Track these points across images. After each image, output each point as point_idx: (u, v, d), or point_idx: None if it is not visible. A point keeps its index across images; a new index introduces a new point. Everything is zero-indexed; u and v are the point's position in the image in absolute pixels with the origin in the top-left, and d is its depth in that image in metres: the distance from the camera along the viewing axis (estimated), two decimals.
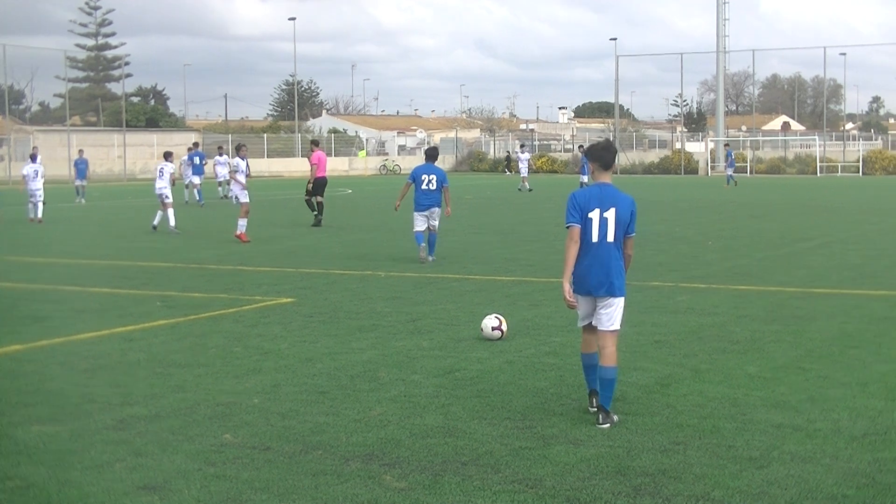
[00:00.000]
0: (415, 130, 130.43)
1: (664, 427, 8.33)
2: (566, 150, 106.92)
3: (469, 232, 26.92)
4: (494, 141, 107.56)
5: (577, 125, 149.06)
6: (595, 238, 8.63)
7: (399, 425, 8.44)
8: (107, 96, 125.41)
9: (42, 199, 33.37)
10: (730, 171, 61.40)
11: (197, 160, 45.43)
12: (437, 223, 20.36)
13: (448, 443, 7.95)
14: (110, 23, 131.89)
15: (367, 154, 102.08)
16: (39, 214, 33.08)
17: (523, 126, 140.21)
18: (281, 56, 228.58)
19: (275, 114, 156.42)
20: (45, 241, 26.63)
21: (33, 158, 35.61)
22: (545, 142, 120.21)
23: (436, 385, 9.82)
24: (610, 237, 8.67)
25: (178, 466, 7.46)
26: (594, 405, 8.71)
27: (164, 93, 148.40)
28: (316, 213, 30.84)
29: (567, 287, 8.52)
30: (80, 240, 26.88)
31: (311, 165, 31.18)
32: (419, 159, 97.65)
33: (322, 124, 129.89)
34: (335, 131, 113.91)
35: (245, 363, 10.91)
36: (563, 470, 7.30)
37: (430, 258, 20.14)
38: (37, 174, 33.77)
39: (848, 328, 12.76)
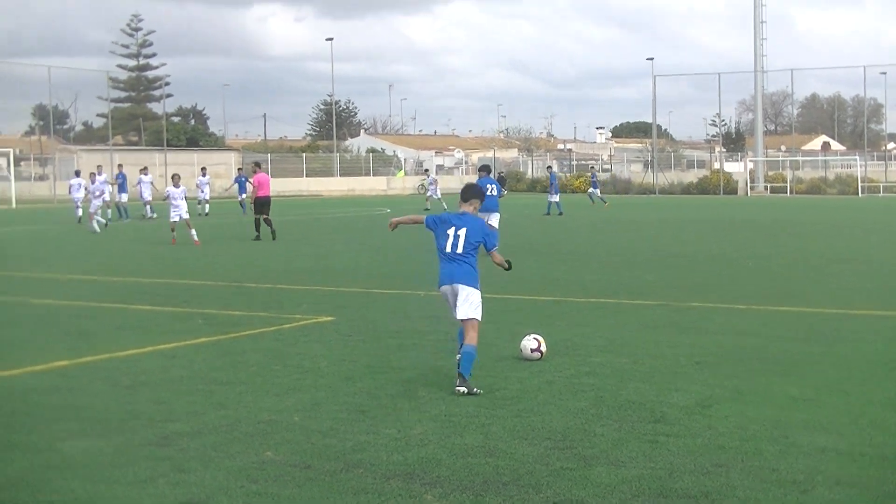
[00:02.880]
0: (452, 150, 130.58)
1: (705, 449, 8.26)
2: (604, 171, 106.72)
3: (506, 251, 26.86)
4: (532, 161, 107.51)
5: (615, 145, 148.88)
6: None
7: (439, 444, 8.42)
8: (148, 116, 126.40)
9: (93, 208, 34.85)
10: (593, 190, 60.47)
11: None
12: (496, 224, 24.57)
13: (488, 462, 7.92)
14: (151, 44, 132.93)
15: (406, 174, 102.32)
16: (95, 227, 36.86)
17: (561, 146, 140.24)
18: (318, 76, 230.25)
19: (313, 133, 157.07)
20: (89, 257, 26.80)
21: (77, 174, 37.93)
22: (583, 162, 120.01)
23: (476, 404, 9.79)
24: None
25: (220, 483, 7.47)
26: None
27: (203, 112, 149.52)
28: (256, 233, 32.74)
29: None
30: (122, 257, 27.05)
31: (254, 186, 33.85)
32: (457, 179, 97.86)
33: (360, 144, 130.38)
34: (373, 151, 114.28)
35: (285, 381, 10.93)
36: (604, 491, 7.24)
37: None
38: (80, 186, 36.25)
39: (890, 350, 12.63)
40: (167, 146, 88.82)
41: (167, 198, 32.32)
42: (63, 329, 14.69)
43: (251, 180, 35.27)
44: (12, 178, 73.10)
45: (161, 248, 29.98)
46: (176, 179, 33.22)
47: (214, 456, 8.13)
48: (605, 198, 61.90)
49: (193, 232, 31.35)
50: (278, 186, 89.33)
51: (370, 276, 21.66)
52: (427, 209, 54.87)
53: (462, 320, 10.60)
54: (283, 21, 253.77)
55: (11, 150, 78.15)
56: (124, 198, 48.47)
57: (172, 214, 31.69)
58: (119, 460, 8.03)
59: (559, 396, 10.13)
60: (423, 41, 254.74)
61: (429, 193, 57.46)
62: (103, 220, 39.35)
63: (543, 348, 11.85)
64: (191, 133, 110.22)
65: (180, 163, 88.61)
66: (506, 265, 11.18)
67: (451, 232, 10.77)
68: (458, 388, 10.23)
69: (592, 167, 71.03)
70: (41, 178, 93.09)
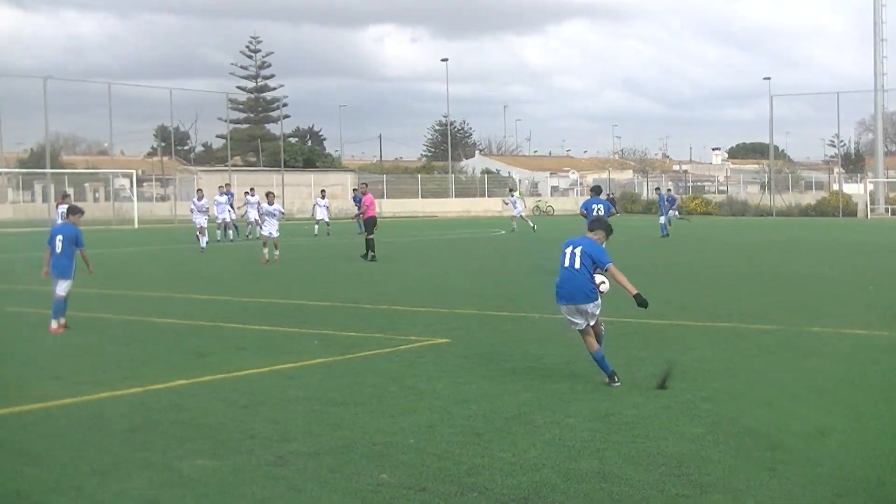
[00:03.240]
0: (567, 171, 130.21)
1: (826, 478, 8.09)
2: (720, 192, 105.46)
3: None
4: (647, 182, 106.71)
5: (731, 166, 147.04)
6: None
7: (554, 469, 8.38)
8: (266, 137, 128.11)
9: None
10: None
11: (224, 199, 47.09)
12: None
13: (603, 488, 7.86)
14: (269, 65, 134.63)
15: (521, 195, 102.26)
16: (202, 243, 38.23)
17: (676, 167, 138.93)
18: (433, 96, 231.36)
19: (428, 154, 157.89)
20: (208, 277, 27.26)
21: (199, 197, 40.03)
22: (699, 183, 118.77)
23: (591, 429, 9.73)
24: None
25: None
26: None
27: (320, 133, 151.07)
28: (372, 253, 33.10)
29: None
30: (239, 277, 27.45)
31: (365, 206, 34.29)
32: (572, 200, 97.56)
33: (475, 165, 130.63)
34: (488, 172, 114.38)
35: (401, 403, 10.98)
36: None
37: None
38: (202, 209, 37.30)
39: None
40: (284, 167, 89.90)
41: (261, 214, 34.26)
42: (184, 348, 14.95)
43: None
44: (135, 198, 75.03)
45: (276, 268, 30.36)
46: (271, 197, 34.39)
47: (330, 477, 8.20)
48: (688, 217, 61.29)
49: (277, 253, 32.66)
50: (393, 207, 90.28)
51: (485, 298, 21.66)
52: (514, 229, 55.08)
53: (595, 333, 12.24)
54: (399, 42, 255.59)
55: (134, 172, 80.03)
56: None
57: (264, 229, 33.37)
58: (236, 480, 8.14)
59: (675, 422, 10.02)
60: (537, 62, 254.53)
61: (514, 213, 57.35)
62: (219, 239, 40.71)
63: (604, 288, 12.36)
64: (307, 154, 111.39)
65: (297, 183, 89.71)
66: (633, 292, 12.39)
67: (575, 251, 12.09)
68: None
69: (669, 189, 70.19)
70: (162, 198, 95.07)
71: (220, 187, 50.72)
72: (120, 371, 13.03)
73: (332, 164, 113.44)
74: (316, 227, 54.35)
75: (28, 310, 20.01)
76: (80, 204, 52.93)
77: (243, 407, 10.84)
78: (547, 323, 17.45)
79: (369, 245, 33.20)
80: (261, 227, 34.28)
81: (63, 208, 38.99)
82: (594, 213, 23.94)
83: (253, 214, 44.98)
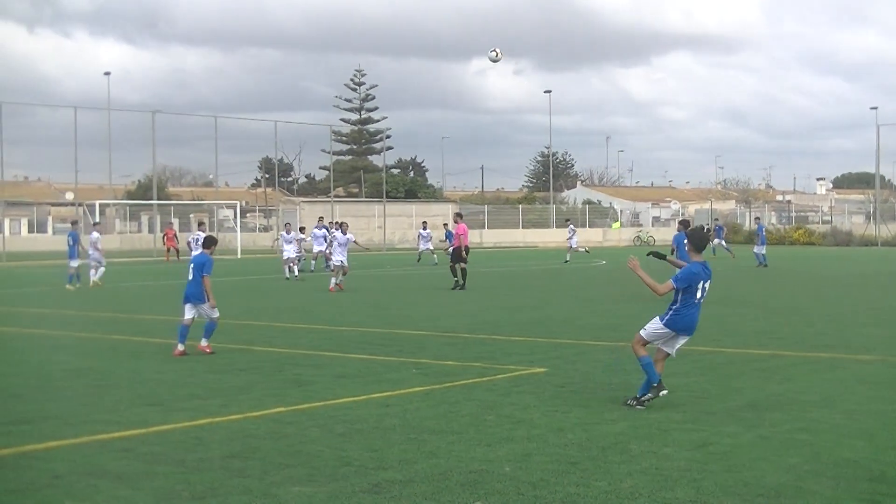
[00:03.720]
0: (669, 202, 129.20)
1: None
2: (824, 222, 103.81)
3: (719, 304, 26.37)
4: (750, 212, 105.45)
5: (836, 196, 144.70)
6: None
7: (650, 498, 8.31)
8: (368, 168, 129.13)
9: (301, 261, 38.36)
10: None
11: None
12: None
13: None
14: (373, 98, 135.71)
15: (622, 225, 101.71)
16: (296, 272, 40.26)
17: (779, 197, 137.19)
18: (535, 128, 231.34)
19: (530, 185, 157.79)
20: (307, 308, 27.52)
21: (287, 230, 41.59)
22: (802, 213, 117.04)
23: (687, 458, 9.64)
24: None
25: None
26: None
27: (422, 165, 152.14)
28: (461, 281, 33.67)
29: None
30: (336, 307, 27.66)
31: (458, 236, 34.47)
32: (673, 230, 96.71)
33: (576, 195, 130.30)
34: (589, 202, 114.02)
35: (497, 431, 10.97)
36: None
37: None
38: (290, 241, 40.22)
39: None
40: (386, 198, 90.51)
41: (332, 243, 36.54)
42: (283, 376, 15.10)
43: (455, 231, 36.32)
44: (238, 229, 76.04)
45: (371, 297, 30.57)
46: (344, 227, 36.69)
47: None
48: (732, 249, 60.81)
49: (341, 279, 34.08)
50: (494, 237, 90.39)
51: (583, 327, 21.57)
52: (566, 261, 54.94)
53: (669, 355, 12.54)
54: (502, 74, 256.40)
55: (238, 203, 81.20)
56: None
57: (335, 258, 34.96)
58: None
59: (773, 452, 9.88)
60: (640, 92, 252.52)
61: (570, 244, 57.38)
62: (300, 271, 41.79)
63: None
64: (409, 185, 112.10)
65: (398, 214, 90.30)
66: None
67: (705, 285, 12.29)
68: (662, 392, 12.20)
69: (716, 219, 69.32)
70: (265, 229, 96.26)
71: (319, 219, 51.33)
72: (219, 398, 13.21)
73: (433, 195, 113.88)
74: (419, 256, 55.13)
75: (133, 338, 20.38)
76: (184, 235, 53.87)
77: (340, 434, 10.93)
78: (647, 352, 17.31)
79: (460, 273, 33.61)
80: (329, 257, 35.68)
81: (198, 236, 39.86)
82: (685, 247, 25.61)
83: (320, 246, 45.45)
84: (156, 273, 48.26)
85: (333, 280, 34.01)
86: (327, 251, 43.77)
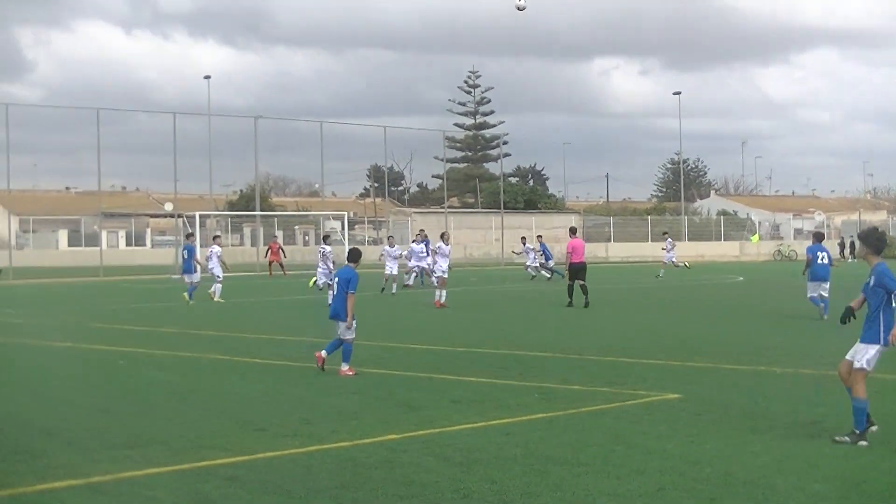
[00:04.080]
0: (812, 212, 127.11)
1: None
2: None
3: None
4: None
5: None
6: None
7: None
8: (484, 176, 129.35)
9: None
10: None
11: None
12: (826, 294, 27.68)
13: None
14: (488, 101, 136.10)
15: (760, 238, 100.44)
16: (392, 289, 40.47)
17: None
18: (664, 133, 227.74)
19: (659, 194, 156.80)
20: (419, 326, 27.64)
21: (391, 244, 42.25)
22: None
23: (839, 497, 9.44)
24: None
25: None
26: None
27: (542, 173, 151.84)
28: (569, 300, 33.80)
29: None
30: (454, 325, 27.71)
31: (567, 252, 34.50)
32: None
33: (710, 206, 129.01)
34: (724, 213, 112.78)
35: (627, 463, 10.87)
36: None
37: (825, 316, 26.74)
38: (395, 255, 40.93)
39: None
40: (504, 208, 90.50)
41: (381, 256, 39.14)
42: (395, 400, 15.16)
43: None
44: (346, 242, 76.40)
45: (489, 315, 30.57)
46: (391, 241, 39.39)
47: None
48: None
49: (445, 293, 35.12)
50: (621, 251, 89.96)
51: (721, 349, 21.29)
52: (659, 276, 54.38)
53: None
54: (627, 75, 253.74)
55: (346, 214, 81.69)
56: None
57: (436, 269, 37.20)
58: None
59: None
60: (779, 93, 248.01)
61: (666, 258, 56.91)
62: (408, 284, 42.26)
63: None
64: (528, 194, 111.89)
65: (517, 226, 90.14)
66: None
67: None
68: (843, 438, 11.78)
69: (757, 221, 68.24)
70: (374, 241, 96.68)
71: (419, 232, 51.60)
72: (329, 423, 13.30)
73: (555, 206, 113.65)
74: (529, 270, 55.15)
75: (239, 358, 20.64)
76: (289, 248, 54.44)
77: (458, 464, 10.92)
78: (791, 378, 17.05)
79: (581, 290, 33.57)
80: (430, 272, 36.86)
81: (323, 249, 40.42)
82: (818, 262, 27.89)
83: (418, 261, 45.64)
84: (260, 289, 48.87)
85: (439, 294, 34.82)
86: (425, 265, 44.32)
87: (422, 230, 55.59)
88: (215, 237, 43.46)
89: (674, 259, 57.55)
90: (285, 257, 66.00)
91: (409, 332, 26.01)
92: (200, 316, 31.94)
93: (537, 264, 54.98)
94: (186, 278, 38.31)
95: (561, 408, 14.29)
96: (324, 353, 18.31)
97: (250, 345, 23.34)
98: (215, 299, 37.72)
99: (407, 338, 24.34)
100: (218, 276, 38.97)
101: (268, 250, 66.39)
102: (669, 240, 59.03)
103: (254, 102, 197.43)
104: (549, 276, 53.55)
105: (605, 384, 16.47)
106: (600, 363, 19.27)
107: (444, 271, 36.44)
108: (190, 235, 44.12)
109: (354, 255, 19.25)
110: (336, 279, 18.69)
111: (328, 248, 40.26)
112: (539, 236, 58.08)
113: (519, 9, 31.53)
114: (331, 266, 38.42)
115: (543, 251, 54.76)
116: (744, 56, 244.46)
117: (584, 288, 33.59)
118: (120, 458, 11.38)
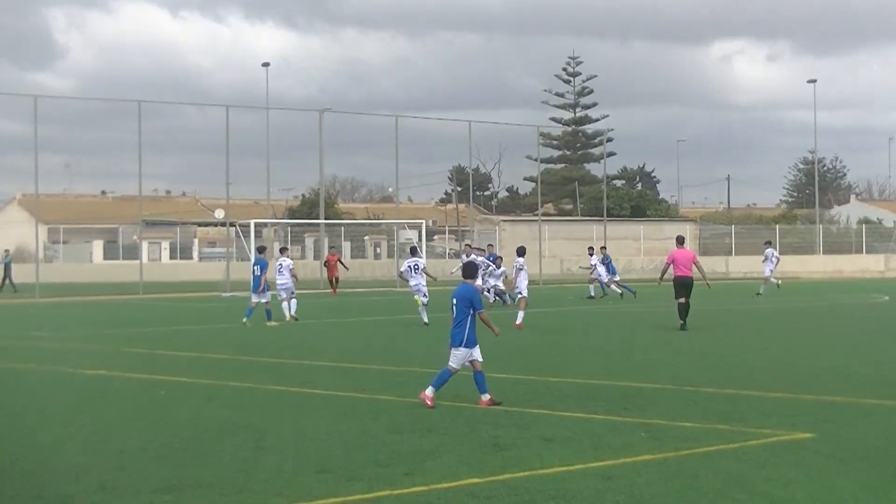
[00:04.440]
0: None
1: None
2: None
3: None
4: None
5: None
6: None
7: None
8: (585, 179, 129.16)
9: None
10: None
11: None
12: None
13: None
14: (590, 91, 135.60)
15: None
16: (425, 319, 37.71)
17: None
18: (795, 127, 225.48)
19: (789, 199, 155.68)
20: (506, 351, 27.61)
21: (413, 253, 41.77)
22: None
23: None
24: None
25: None
26: None
27: (652, 175, 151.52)
28: (681, 321, 33.75)
29: None
30: (545, 350, 27.64)
31: (666, 264, 34.83)
32: None
33: (849, 212, 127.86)
34: (867, 221, 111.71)
35: None
36: None
37: None
38: (416, 268, 39.17)
39: None
40: (608, 216, 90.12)
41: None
42: (478, 438, 15.14)
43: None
44: (424, 254, 76.40)
45: (584, 338, 30.46)
46: (521, 251, 38.00)
47: None
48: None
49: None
50: (744, 265, 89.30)
51: (862, 380, 21.08)
52: (759, 293, 53.97)
53: None
54: (752, 60, 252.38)
55: (424, 222, 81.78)
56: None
57: (518, 287, 37.59)
58: None
59: None
60: None
61: (767, 271, 56.69)
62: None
63: None
64: (636, 200, 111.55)
65: (622, 236, 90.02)
66: None
67: None
68: None
69: (769, 242, 67.23)
70: (457, 254, 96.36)
71: (487, 246, 51.71)
72: (401, 465, 13.33)
73: (666, 213, 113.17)
74: (592, 290, 55.02)
75: (297, 389, 20.76)
76: (357, 262, 54.64)
77: None
78: None
79: (682, 310, 33.66)
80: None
81: (473, 257, 40.64)
82: None
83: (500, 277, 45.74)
84: (323, 309, 49.08)
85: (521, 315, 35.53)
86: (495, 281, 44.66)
87: (490, 245, 55.62)
88: (283, 249, 43.72)
89: (771, 274, 57.08)
90: (346, 269, 66.00)
91: (491, 358, 25.97)
92: (255, 340, 32.16)
93: (605, 279, 54.98)
94: (254, 298, 38.60)
95: (671, 448, 14.22)
96: (429, 391, 18.22)
97: (311, 373, 23.46)
98: (288, 317, 38.42)
99: (489, 365, 24.29)
100: (292, 292, 39.80)
101: (325, 263, 65.84)
102: (773, 252, 58.47)
103: (318, 94, 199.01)
104: (619, 292, 53.82)
105: (722, 421, 16.36)
106: (717, 396, 19.14)
107: (520, 292, 37.04)
108: (263, 249, 43.78)
109: (471, 271, 19.42)
110: (454, 300, 18.56)
111: (288, 262, 40.73)
112: (603, 247, 58.01)
113: None
114: (290, 282, 39.75)
115: (606, 265, 54.75)
116: (891, 35, 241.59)
117: (684, 307, 33.70)
118: (159, 503, 11.48)
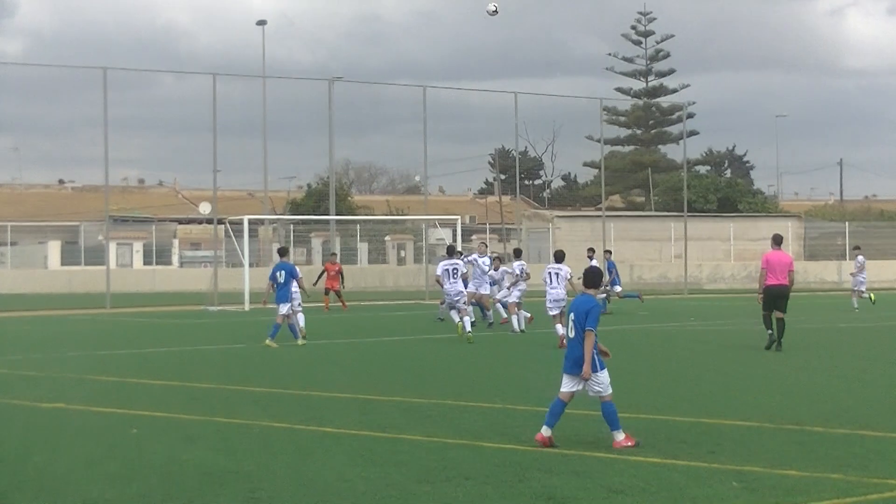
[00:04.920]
0: None
1: None
2: None
3: None
4: None
5: None
6: None
7: None
8: (659, 165, 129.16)
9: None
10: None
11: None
12: None
13: None
14: (666, 55, 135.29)
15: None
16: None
17: None
18: None
19: None
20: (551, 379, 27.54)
21: (450, 254, 42.29)
22: None
23: None
24: None
25: None
26: None
27: (744, 159, 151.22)
28: (770, 332, 34.11)
29: None
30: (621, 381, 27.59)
31: (761, 269, 34.95)
32: None
33: None
34: None
35: None
36: None
37: None
38: (455, 272, 39.87)
39: None
40: (689, 211, 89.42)
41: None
42: (529, 488, 15.11)
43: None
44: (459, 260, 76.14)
45: (657, 364, 30.39)
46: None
47: None
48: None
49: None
50: (874, 273, 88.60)
51: None
52: (856, 308, 53.94)
53: None
54: (869, 15, 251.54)
55: (458, 219, 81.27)
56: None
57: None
58: None
59: None
60: None
61: (855, 283, 57.48)
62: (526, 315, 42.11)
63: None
64: (725, 190, 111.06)
65: (707, 236, 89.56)
66: None
67: None
68: None
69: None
70: (500, 259, 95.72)
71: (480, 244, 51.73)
72: None
73: (762, 207, 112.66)
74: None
75: (301, 426, 20.77)
76: (378, 268, 54.44)
77: None
78: None
79: (775, 325, 33.85)
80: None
81: (521, 265, 40.79)
82: None
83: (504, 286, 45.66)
84: (332, 326, 49.17)
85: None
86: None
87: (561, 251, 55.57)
88: (282, 251, 42.83)
89: (862, 286, 57.05)
90: (342, 287, 63.83)
91: (537, 388, 25.89)
92: (247, 365, 32.20)
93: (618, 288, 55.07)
94: (282, 308, 38.17)
95: (771, 501, 14.16)
96: (546, 430, 18.23)
97: (317, 406, 23.46)
98: (300, 341, 38.30)
99: (534, 397, 24.21)
100: (299, 304, 39.63)
101: (322, 272, 63.75)
102: (860, 258, 58.31)
103: (328, 60, 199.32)
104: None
105: (836, 468, 16.29)
106: (827, 437, 19.07)
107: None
108: (285, 251, 42.76)
109: (594, 278, 19.10)
110: (572, 315, 18.47)
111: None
112: (608, 251, 57.91)
113: (491, 13, 32.55)
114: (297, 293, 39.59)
115: (610, 272, 54.54)
116: None
117: (780, 323, 33.74)
118: None
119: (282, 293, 38.30)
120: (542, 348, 35.78)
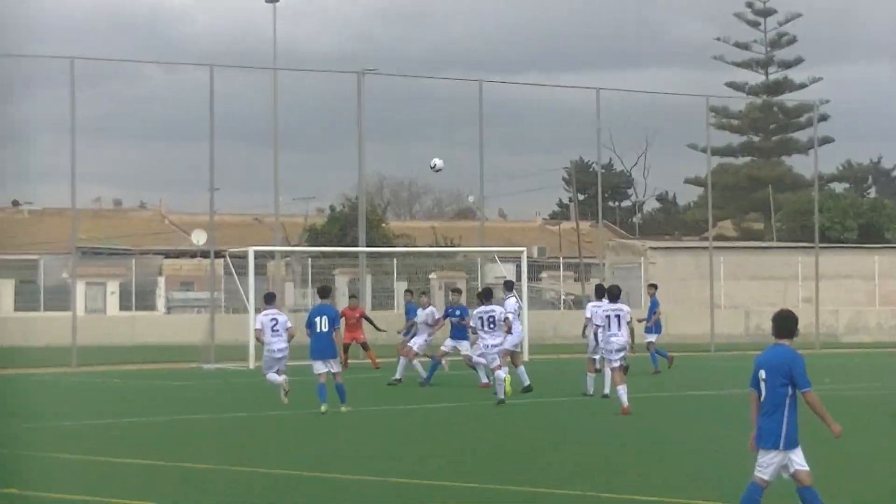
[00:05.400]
0: None
1: None
2: None
3: None
4: None
5: None
6: None
7: None
8: (783, 181, 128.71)
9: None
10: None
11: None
12: None
13: None
14: (792, 40, 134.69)
15: None
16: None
17: None
18: None
19: None
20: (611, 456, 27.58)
21: (487, 297, 41.56)
22: None
23: None
24: None
25: None
26: None
27: (893, 174, 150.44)
28: None
29: None
30: (700, 453, 27.62)
31: None
32: None
33: None
34: None
35: None
36: None
37: None
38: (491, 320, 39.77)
39: None
40: (821, 241, 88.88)
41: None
42: None
43: None
44: (525, 301, 74.83)
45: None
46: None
47: None
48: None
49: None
50: None
51: None
52: None
53: None
54: None
55: (524, 251, 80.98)
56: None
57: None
58: None
59: None
60: None
61: None
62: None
63: None
64: (868, 215, 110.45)
65: (844, 273, 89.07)
66: None
67: None
68: None
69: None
70: (577, 300, 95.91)
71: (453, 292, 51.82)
72: None
73: None
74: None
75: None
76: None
77: None
78: None
79: None
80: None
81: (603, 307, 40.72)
82: None
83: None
84: (362, 388, 49.14)
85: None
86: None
87: (653, 284, 55.48)
88: (270, 297, 42.26)
89: None
90: (381, 330, 62.23)
91: (595, 468, 25.90)
92: (255, 439, 32.26)
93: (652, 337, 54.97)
94: (321, 367, 37.69)
95: None
96: None
97: (341, 493, 23.48)
98: (284, 399, 38.11)
99: (599, 479, 24.21)
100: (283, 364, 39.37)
101: (339, 318, 60.87)
102: None
103: (356, 47, 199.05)
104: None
105: None
106: None
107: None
108: (328, 291, 41.91)
109: (789, 324, 18.64)
110: (762, 372, 18.32)
111: (283, 317, 40.26)
112: (652, 286, 57.60)
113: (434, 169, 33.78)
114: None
115: (652, 314, 54.48)
116: None
117: None
118: None
119: (326, 345, 37.56)
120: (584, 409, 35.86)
